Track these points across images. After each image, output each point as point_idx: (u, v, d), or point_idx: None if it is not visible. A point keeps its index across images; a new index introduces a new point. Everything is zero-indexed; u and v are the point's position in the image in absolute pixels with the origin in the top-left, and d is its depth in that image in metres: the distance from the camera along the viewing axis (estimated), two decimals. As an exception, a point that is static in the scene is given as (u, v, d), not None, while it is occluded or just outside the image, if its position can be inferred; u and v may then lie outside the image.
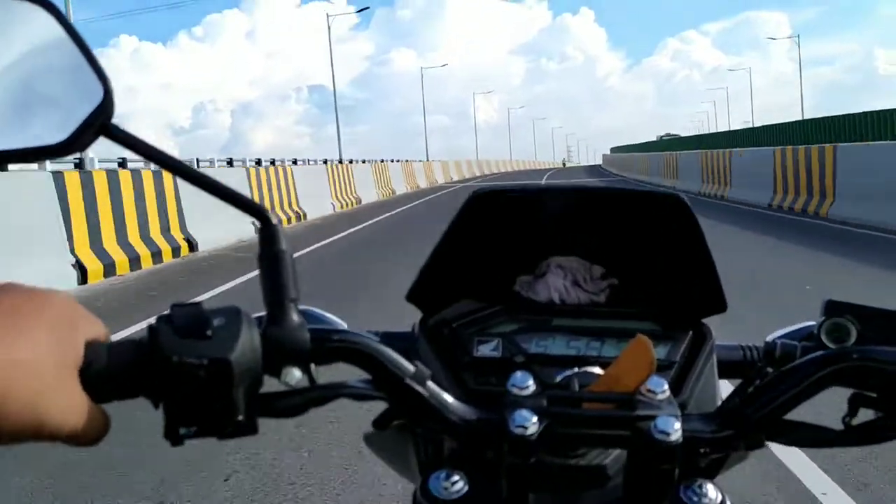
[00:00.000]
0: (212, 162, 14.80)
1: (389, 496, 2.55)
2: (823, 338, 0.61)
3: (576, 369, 0.61)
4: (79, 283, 7.43)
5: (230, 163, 15.11)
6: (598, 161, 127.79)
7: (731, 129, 60.41)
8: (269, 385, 0.49)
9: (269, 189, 13.98)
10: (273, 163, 16.17)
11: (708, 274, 0.64)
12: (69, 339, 0.44)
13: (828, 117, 21.41)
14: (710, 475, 0.56)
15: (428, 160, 41.70)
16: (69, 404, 0.43)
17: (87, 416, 0.44)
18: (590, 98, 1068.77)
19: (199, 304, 0.47)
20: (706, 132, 70.22)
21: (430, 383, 0.52)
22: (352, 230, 12.48)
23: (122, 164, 9.90)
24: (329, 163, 20.54)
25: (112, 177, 8.74)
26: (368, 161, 25.77)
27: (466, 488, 0.54)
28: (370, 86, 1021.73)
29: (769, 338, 0.68)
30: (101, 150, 9.73)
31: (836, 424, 0.54)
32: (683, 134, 78.86)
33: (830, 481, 2.58)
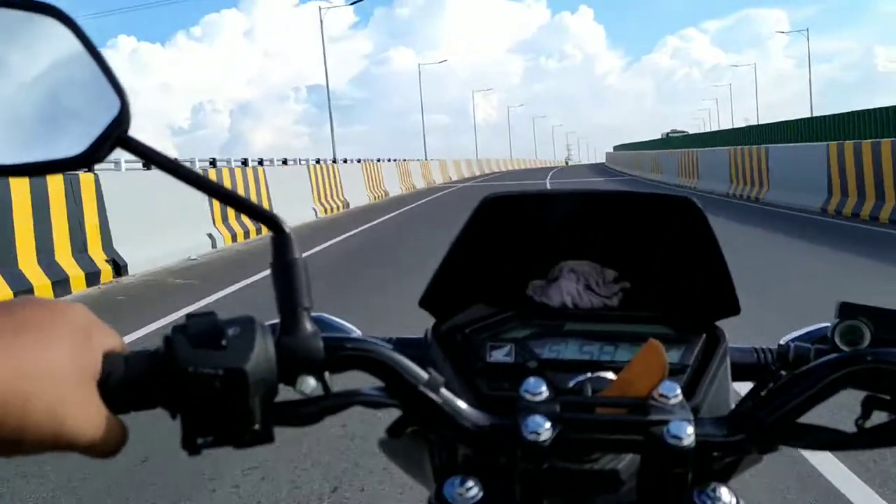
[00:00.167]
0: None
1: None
2: (837, 340, 0.63)
3: (589, 374, 0.61)
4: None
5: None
6: (600, 159, 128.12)
7: (734, 126, 58.51)
8: (284, 394, 0.49)
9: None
10: (245, 163, 14.13)
11: (721, 276, 0.65)
12: (87, 350, 0.44)
13: (858, 111, 19.40)
14: (724, 478, 0.57)
15: (426, 159, 39.66)
16: (88, 415, 0.43)
17: (106, 426, 0.44)
18: (589, 96, 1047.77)
19: (213, 313, 0.47)
20: (712, 129, 68.03)
21: (443, 390, 0.52)
22: (328, 244, 10.41)
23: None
24: (315, 162, 18.49)
25: None
26: (364, 160, 23.74)
27: (481, 494, 0.54)
28: (369, 85, 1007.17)
29: (783, 340, 0.69)
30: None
31: (849, 427, 0.54)
32: (689, 131, 76.34)
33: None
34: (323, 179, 17.17)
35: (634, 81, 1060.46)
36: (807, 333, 0.68)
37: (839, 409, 0.54)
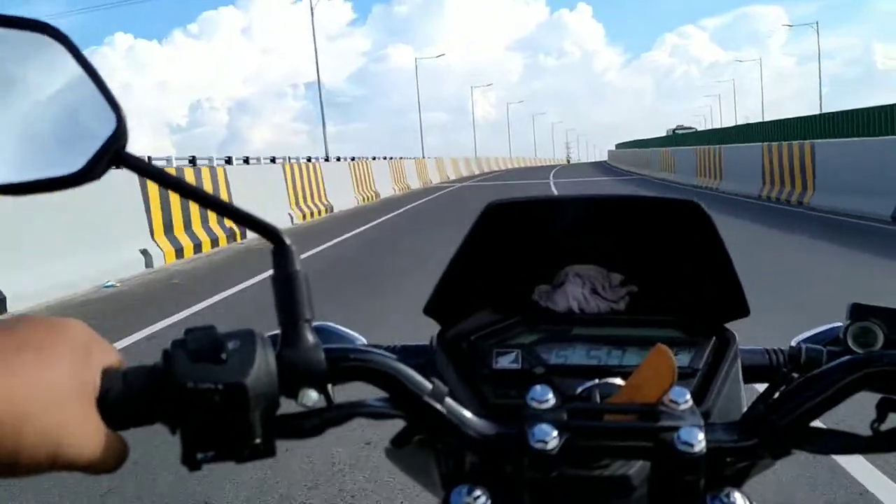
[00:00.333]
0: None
1: None
2: (850, 342, 0.63)
3: (596, 380, 0.60)
4: None
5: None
6: (600, 157, 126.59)
7: (737, 123, 56.29)
8: (286, 406, 0.49)
9: (182, 201, 9.75)
10: (193, 162, 12.17)
11: (729, 278, 0.64)
12: (87, 367, 0.44)
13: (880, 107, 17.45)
14: (738, 483, 0.55)
15: (423, 157, 37.63)
16: (88, 433, 0.43)
17: (105, 443, 0.44)
18: (588, 94, 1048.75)
19: (212, 327, 0.47)
20: (714, 127, 65.70)
21: (448, 400, 0.51)
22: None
23: None
24: (305, 160, 16.51)
25: None
26: (358, 159, 21.76)
27: (489, 503, 0.53)
28: (367, 82, 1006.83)
29: (794, 342, 0.68)
30: None
31: (864, 430, 0.53)
32: (697, 128, 73.70)
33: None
34: (302, 180, 15.14)
35: (633, 79, 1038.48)
36: (818, 334, 0.69)
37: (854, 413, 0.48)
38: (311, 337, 0.49)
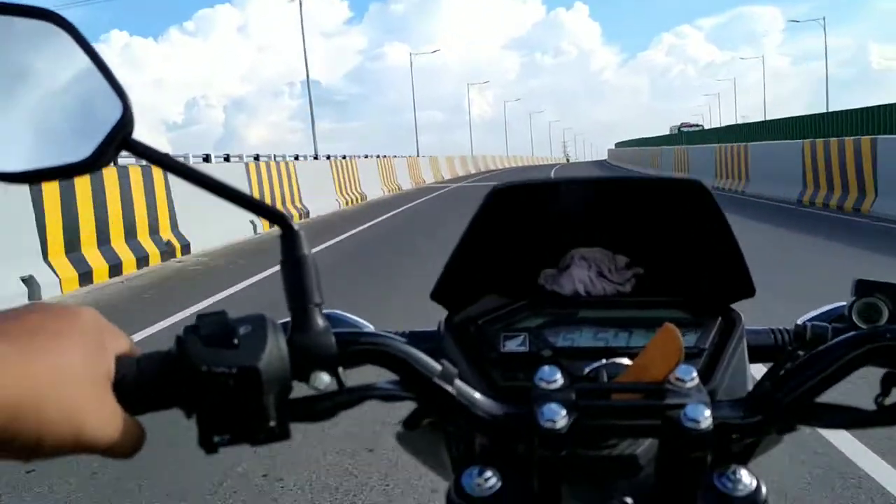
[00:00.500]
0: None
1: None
2: (854, 318, 0.63)
3: (604, 361, 0.60)
4: None
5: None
6: (598, 156, 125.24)
7: (737, 122, 54.06)
8: (299, 390, 0.49)
9: (97, 208, 7.55)
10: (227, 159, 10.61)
11: (734, 258, 0.64)
12: (100, 354, 0.44)
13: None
14: (744, 460, 0.56)
15: (418, 155, 35.59)
16: (106, 417, 0.44)
17: (123, 428, 0.45)
18: (585, 93, 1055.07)
19: (224, 312, 0.47)
20: (714, 126, 63.27)
21: (457, 381, 0.51)
22: (240, 286, 6.37)
23: None
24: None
25: None
26: (350, 157, 19.72)
27: (499, 484, 0.53)
28: (364, 80, 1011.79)
29: (800, 320, 0.68)
30: None
31: (868, 404, 0.53)
32: (704, 126, 70.93)
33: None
34: (271, 183, 13.10)
35: (630, 78, 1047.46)
36: (824, 313, 0.68)
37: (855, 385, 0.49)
38: (321, 321, 0.49)
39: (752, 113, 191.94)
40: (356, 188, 18.86)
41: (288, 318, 0.50)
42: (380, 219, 13.38)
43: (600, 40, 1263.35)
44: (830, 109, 20.58)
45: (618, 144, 79.98)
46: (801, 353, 0.57)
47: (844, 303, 0.64)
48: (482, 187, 23.61)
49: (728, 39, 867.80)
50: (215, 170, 11.68)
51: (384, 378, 0.51)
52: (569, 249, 0.69)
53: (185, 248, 9.14)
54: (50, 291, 6.29)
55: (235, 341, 0.45)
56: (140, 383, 0.46)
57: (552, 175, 33.00)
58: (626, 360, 0.58)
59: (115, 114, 0.48)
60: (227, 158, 12.69)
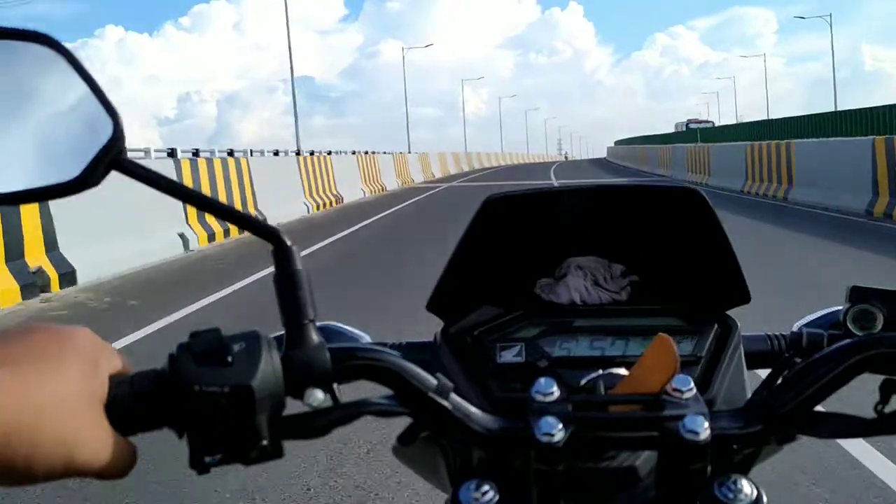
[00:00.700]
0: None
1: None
2: (849, 324, 0.61)
3: (600, 371, 0.59)
4: None
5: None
6: (593, 154, 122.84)
7: (738, 121, 51.73)
8: (292, 407, 0.48)
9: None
10: (173, 154, 8.57)
11: (730, 265, 0.64)
12: (95, 375, 0.44)
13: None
14: (745, 470, 0.55)
15: (409, 151, 33.12)
16: (98, 439, 0.43)
17: (115, 449, 0.44)
18: (579, 92, 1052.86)
19: (217, 329, 0.47)
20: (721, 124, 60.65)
21: (453, 396, 0.51)
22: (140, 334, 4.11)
23: None
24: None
25: None
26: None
27: (497, 497, 0.53)
28: (359, 77, 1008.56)
29: (795, 326, 0.68)
30: None
31: (867, 412, 0.52)
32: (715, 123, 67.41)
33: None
34: (213, 184, 10.67)
35: (624, 77, 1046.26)
36: (819, 318, 0.68)
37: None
38: (315, 337, 0.49)
39: (749, 113, 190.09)
40: (330, 189, 16.42)
41: (281, 332, 0.49)
42: (351, 229, 10.97)
43: (594, 40, 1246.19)
44: (829, 110, 18.34)
45: (617, 142, 77.63)
46: (797, 360, 0.56)
47: (839, 307, 0.64)
48: (477, 188, 20.86)
49: (721, 40, 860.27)
50: (153, 165, 9.23)
51: (379, 392, 0.51)
52: (564, 258, 0.70)
53: (67, 277, 6.65)
54: None
55: (229, 359, 0.44)
56: (133, 403, 0.45)
57: (552, 173, 29.69)
58: (622, 370, 0.59)
59: (106, 133, 0.48)
60: (171, 153, 10.36)
